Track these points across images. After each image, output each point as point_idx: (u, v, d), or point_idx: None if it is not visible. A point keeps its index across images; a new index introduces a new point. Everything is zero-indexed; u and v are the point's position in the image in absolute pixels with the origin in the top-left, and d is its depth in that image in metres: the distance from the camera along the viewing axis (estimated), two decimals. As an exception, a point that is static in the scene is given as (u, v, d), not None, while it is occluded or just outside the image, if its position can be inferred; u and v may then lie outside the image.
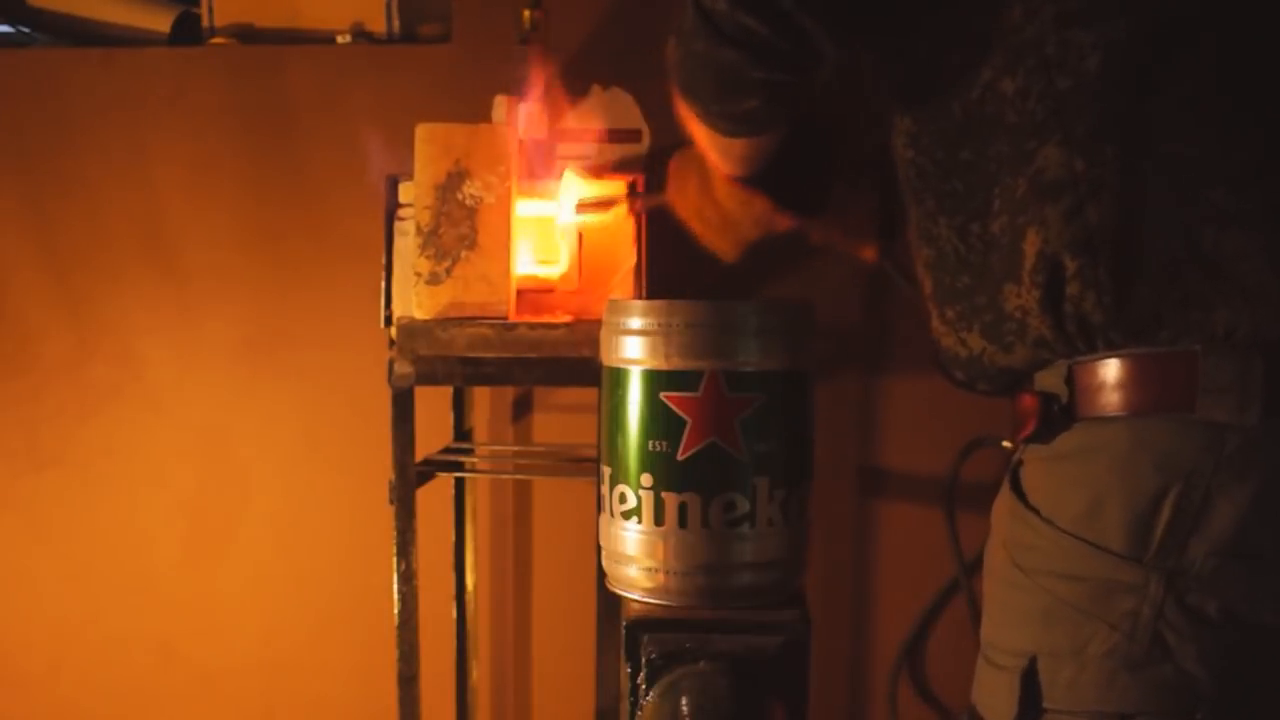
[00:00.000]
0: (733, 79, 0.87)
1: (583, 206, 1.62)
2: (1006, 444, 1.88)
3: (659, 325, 1.13)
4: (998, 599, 0.92)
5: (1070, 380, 0.86)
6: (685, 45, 0.90)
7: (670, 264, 1.79)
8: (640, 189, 1.68)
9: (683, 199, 1.30)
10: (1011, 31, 0.83)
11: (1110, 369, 0.82)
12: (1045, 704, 0.84)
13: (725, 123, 0.96)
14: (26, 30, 2.21)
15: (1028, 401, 0.91)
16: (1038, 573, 0.86)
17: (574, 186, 1.65)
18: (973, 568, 2.06)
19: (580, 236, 1.67)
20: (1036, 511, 0.89)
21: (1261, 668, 0.81)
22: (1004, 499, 0.96)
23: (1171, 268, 0.79)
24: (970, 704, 0.94)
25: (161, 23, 2.11)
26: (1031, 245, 0.83)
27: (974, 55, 0.85)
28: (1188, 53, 0.78)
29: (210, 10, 2.10)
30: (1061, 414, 0.87)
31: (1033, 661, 0.85)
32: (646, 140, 1.79)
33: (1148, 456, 0.80)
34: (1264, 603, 0.80)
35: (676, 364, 1.13)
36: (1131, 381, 0.81)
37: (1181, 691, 0.80)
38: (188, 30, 2.12)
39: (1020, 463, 0.94)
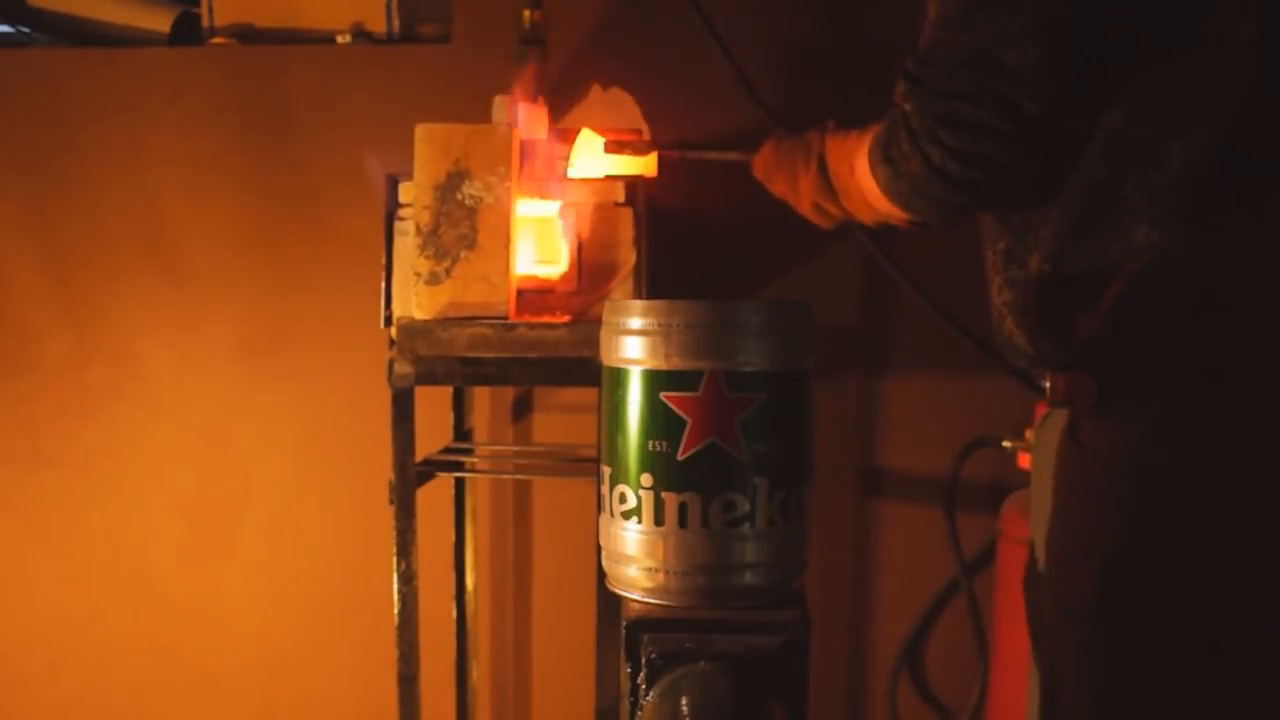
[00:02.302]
0: (956, 205, 1.16)
1: (613, 146, 1.62)
2: (1006, 444, 1.89)
3: (659, 325, 1.13)
4: (1043, 512, 1.20)
5: (1122, 368, 1.12)
6: (911, 183, 1.15)
7: (670, 264, 1.80)
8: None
9: (778, 181, 1.48)
10: (1113, 131, 1.08)
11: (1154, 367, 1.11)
12: (1132, 591, 1.10)
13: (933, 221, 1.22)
14: (26, 30, 2.21)
15: (1077, 380, 1.14)
16: (1106, 498, 1.13)
17: (590, 142, 1.65)
18: (973, 568, 2.06)
19: (580, 236, 1.67)
20: (1100, 453, 1.13)
21: None
22: (1064, 449, 1.18)
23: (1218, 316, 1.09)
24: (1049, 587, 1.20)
25: (161, 23, 2.11)
26: (1115, 289, 1.09)
27: (1078, 144, 1.11)
28: (1249, 153, 1.07)
29: (210, 10, 2.09)
30: (1115, 389, 1.12)
31: (1111, 560, 1.11)
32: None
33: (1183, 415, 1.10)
34: None
35: (676, 364, 1.13)
36: (1166, 375, 1.10)
37: None
38: (188, 30, 2.12)
39: (1076, 421, 1.16)
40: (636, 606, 1.18)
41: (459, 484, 2.03)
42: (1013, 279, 1.19)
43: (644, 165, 1.71)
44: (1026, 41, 1.05)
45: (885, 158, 1.17)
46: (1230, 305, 1.08)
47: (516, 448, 2.11)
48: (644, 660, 1.12)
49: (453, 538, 2.05)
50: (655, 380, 1.14)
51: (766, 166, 1.48)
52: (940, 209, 1.16)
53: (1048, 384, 1.18)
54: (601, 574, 1.24)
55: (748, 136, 1.84)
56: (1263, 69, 1.06)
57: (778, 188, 1.47)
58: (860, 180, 1.26)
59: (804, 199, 1.42)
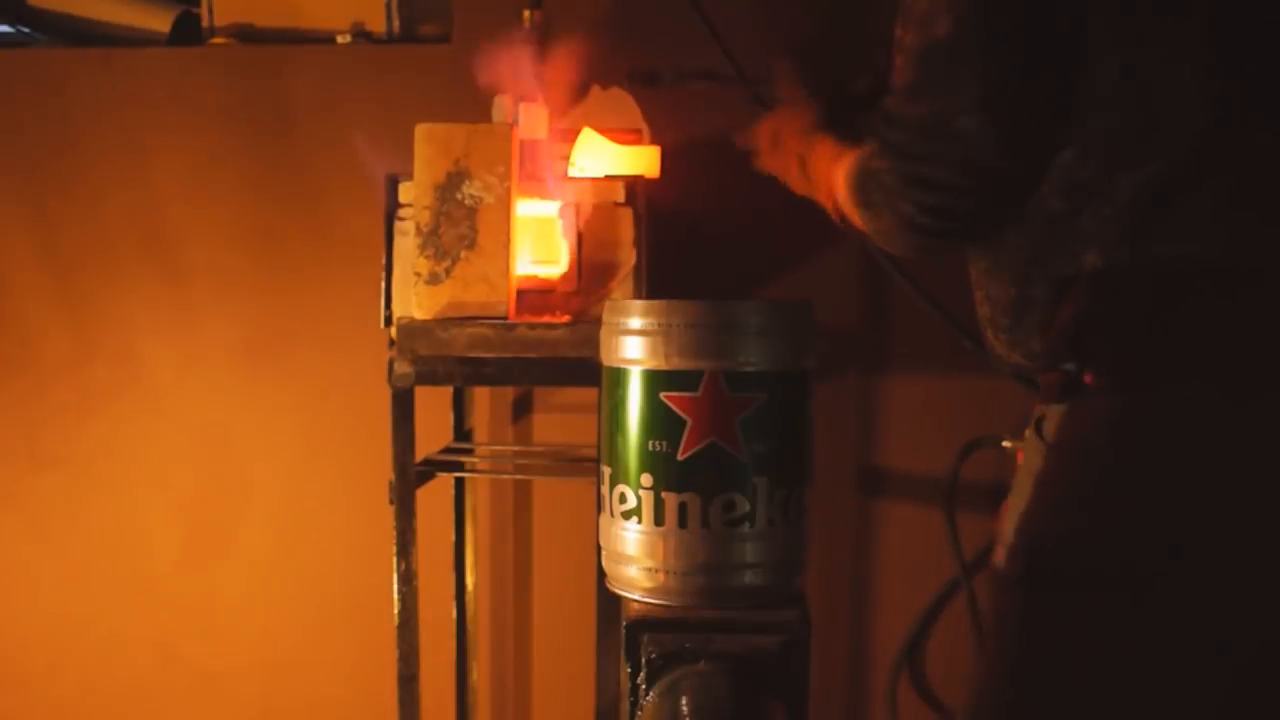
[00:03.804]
0: (934, 248, 1.26)
1: (608, 132, 1.68)
2: (1006, 444, 1.89)
3: (659, 325, 1.13)
4: (1018, 505, 1.26)
5: (1080, 373, 1.19)
6: (889, 230, 1.23)
7: (670, 264, 1.80)
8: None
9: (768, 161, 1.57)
10: (1067, 168, 1.15)
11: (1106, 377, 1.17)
12: (1047, 570, 1.16)
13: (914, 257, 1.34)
14: (26, 30, 2.21)
15: (1056, 377, 1.21)
16: (1048, 485, 1.19)
17: (592, 141, 1.67)
18: (973, 568, 2.06)
19: (580, 236, 1.67)
20: (1060, 448, 1.19)
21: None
22: (1032, 443, 1.25)
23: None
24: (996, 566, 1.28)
25: (161, 23, 2.11)
26: (1068, 311, 1.16)
27: (1039, 180, 1.17)
28: (1195, 181, 1.12)
29: (210, 10, 2.09)
30: (1077, 386, 1.18)
31: (1037, 543, 1.17)
32: (646, 139, 1.79)
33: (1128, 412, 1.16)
34: None
35: (676, 364, 1.13)
36: (1117, 382, 1.16)
37: None
38: (188, 30, 2.12)
39: (1044, 416, 1.23)
40: (636, 606, 1.18)
41: (459, 484, 2.03)
42: (990, 296, 1.27)
43: (646, 164, 1.71)
44: (975, 111, 1.12)
45: (863, 202, 1.25)
46: (1175, 319, 1.13)
47: (516, 448, 2.11)
48: (644, 660, 1.12)
49: (453, 538, 2.05)
50: (655, 380, 1.14)
51: (758, 146, 1.57)
52: (919, 251, 1.28)
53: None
54: (601, 574, 1.24)
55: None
56: (1209, 102, 1.12)
57: (771, 164, 1.57)
58: (844, 208, 1.33)
59: (792, 186, 1.51)
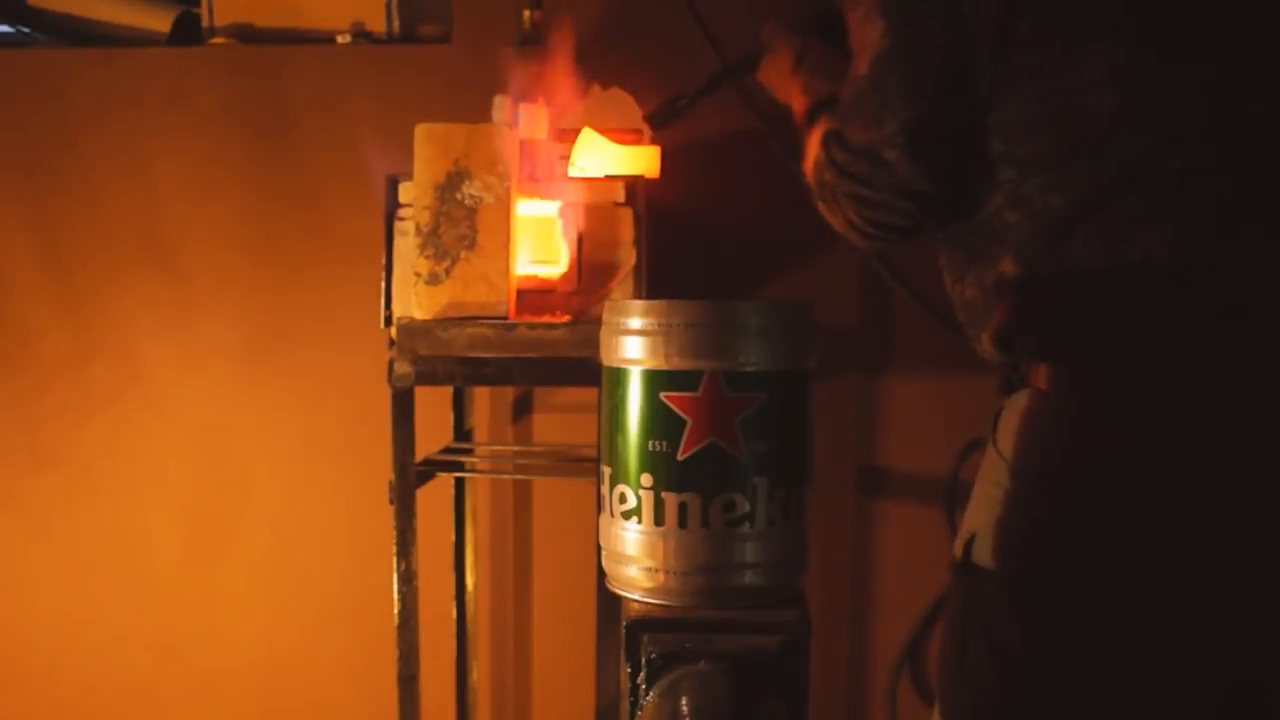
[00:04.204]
0: (879, 249, 1.35)
1: (608, 132, 1.71)
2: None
3: (659, 325, 1.13)
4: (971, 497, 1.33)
5: (1020, 369, 1.26)
6: (837, 225, 1.33)
7: (670, 264, 1.80)
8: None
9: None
10: (1013, 184, 1.20)
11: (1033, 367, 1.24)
12: (974, 560, 1.23)
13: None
14: (26, 30, 2.21)
15: (1004, 372, 1.30)
16: (985, 480, 1.26)
17: (593, 141, 1.68)
18: (973, 568, 2.06)
19: (580, 236, 1.67)
20: (995, 443, 1.26)
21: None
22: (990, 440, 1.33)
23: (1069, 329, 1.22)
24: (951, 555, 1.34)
25: (161, 23, 2.11)
26: (996, 318, 1.23)
27: (986, 191, 1.23)
28: (1119, 199, 1.17)
29: (210, 10, 2.09)
30: (1018, 381, 1.26)
31: (973, 534, 1.24)
32: (646, 139, 1.79)
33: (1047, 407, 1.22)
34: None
35: (676, 364, 1.13)
36: (1042, 380, 1.22)
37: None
38: (188, 30, 2.12)
39: (1001, 409, 1.29)
40: (636, 606, 1.18)
41: (459, 484, 2.03)
42: (950, 294, 1.35)
43: (646, 164, 1.71)
44: (898, 146, 1.20)
45: (820, 199, 1.34)
46: (1094, 323, 1.18)
47: (516, 448, 2.11)
48: (644, 660, 1.12)
49: (453, 538, 2.05)
50: (655, 380, 1.14)
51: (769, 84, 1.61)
52: (871, 250, 1.43)
53: None
54: (601, 574, 1.24)
55: (746, 137, 1.85)
56: (1148, 121, 1.15)
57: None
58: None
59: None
